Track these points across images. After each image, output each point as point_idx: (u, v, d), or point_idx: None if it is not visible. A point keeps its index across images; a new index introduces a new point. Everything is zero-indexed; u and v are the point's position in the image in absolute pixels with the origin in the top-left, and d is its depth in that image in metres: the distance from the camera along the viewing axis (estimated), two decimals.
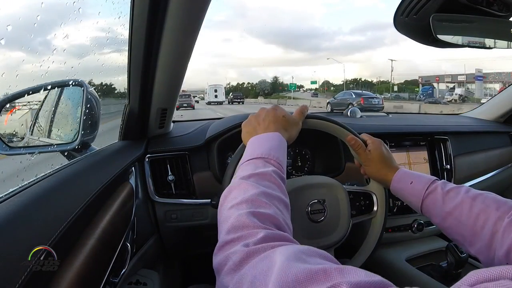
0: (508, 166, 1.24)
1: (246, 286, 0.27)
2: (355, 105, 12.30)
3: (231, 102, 28.70)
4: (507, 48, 0.58)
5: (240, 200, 0.39)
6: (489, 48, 0.59)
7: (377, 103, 13.20)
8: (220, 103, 27.37)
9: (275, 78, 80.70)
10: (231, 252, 0.32)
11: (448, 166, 1.05)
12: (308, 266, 0.25)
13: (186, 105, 18.23)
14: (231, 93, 33.82)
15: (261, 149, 0.49)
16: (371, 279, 0.23)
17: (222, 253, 0.34)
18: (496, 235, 0.45)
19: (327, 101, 17.13)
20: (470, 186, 1.10)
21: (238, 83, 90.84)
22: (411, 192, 0.58)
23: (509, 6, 0.54)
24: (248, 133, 0.57)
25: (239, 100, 29.36)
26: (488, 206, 0.48)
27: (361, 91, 18.41)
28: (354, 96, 14.18)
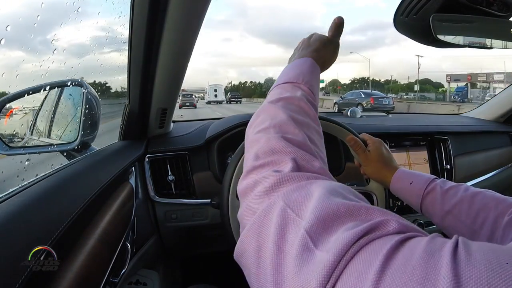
0: (508, 166, 1.24)
1: (277, 213, 0.25)
2: (364, 105, 11.87)
3: (229, 101, 30.14)
4: (507, 48, 0.58)
5: (267, 124, 0.36)
6: (489, 48, 0.59)
7: (387, 103, 12.58)
8: (220, 102, 28.70)
9: None
10: (262, 176, 0.30)
11: (448, 166, 1.05)
12: (348, 202, 0.24)
13: (188, 104, 19.84)
14: (229, 93, 35.12)
15: (290, 74, 0.45)
16: (414, 226, 0.22)
17: (250, 178, 0.31)
18: (495, 233, 0.45)
19: (334, 101, 16.05)
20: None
21: (240, 82, 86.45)
22: (410, 192, 0.58)
23: (509, 6, 0.54)
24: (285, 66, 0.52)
25: (236, 100, 31.06)
26: (487, 204, 0.48)
27: (370, 91, 17.42)
28: (363, 96, 13.35)
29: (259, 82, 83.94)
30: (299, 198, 0.25)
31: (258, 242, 0.25)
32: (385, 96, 14.82)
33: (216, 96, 29.75)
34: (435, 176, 0.57)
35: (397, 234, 0.20)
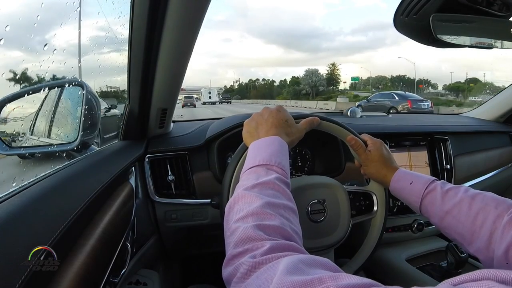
0: (508, 166, 1.24)
1: None
2: (399, 109, 10.69)
3: (220, 102, 36.36)
4: (507, 48, 0.58)
5: (245, 213, 0.39)
6: (489, 48, 0.59)
7: (426, 107, 11.31)
8: (214, 103, 34.74)
9: (333, 66, 55.46)
10: (239, 263, 0.34)
11: (448, 166, 1.05)
12: (303, 278, 0.26)
13: (189, 104, 25.90)
14: (220, 95, 40.85)
15: (262, 155, 0.48)
16: (358, 281, 0.24)
17: (231, 266, 0.35)
18: (495, 233, 0.45)
19: (356, 103, 13.87)
20: (470, 186, 1.10)
21: (250, 80, 74.49)
22: (410, 192, 0.58)
23: (509, 6, 0.54)
24: (249, 133, 0.56)
25: (227, 101, 38.31)
26: (487, 205, 0.48)
27: (404, 92, 14.57)
28: (397, 98, 11.49)
29: (272, 80, 72.23)
30: (267, 279, 0.29)
31: None
32: (423, 99, 12.86)
33: (210, 97, 36.20)
34: (435, 178, 0.57)
35: None
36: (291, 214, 0.43)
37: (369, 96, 14.32)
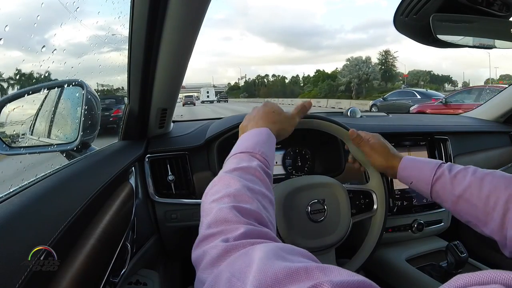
0: (508, 166, 1.24)
1: (223, 284, 0.26)
2: None
3: (218, 101, 38.89)
4: (507, 48, 0.58)
5: (222, 194, 0.38)
6: (489, 48, 0.59)
7: None
8: (212, 101, 37.70)
9: (386, 54, 38.67)
10: (210, 246, 0.32)
11: None
12: (288, 264, 0.24)
13: (189, 102, 28.54)
14: (218, 95, 42.73)
15: (247, 144, 0.48)
16: (354, 279, 0.22)
17: (201, 248, 0.33)
18: (508, 214, 0.45)
19: (371, 103, 12.36)
20: None
21: (258, 76, 65.06)
22: (418, 179, 0.58)
23: (509, 6, 0.54)
24: (241, 128, 0.57)
25: (224, 100, 40.36)
26: (497, 186, 0.48)
27: (425, 90, 12.02)
28: (419, 97, 9.75)
29: (283, 76, 63.82)
30: (242, 265, 0.26)
31: None
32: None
33: (208, 96, 39.46)
34: (442, 161, 0.57)
35: None
36: (268, 204, 0.41)
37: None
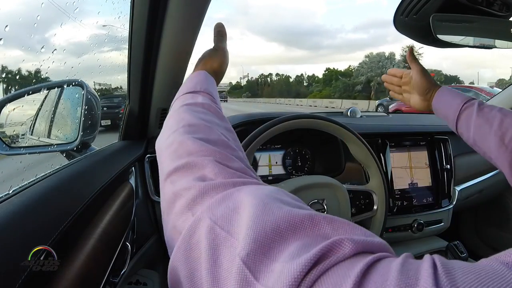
0: None
1: (204, 234, 0.21)
2: None
3: None
4: (507, 48, 0.58)
5: (176, 127, 0.33)
6: (489, 48, 0.59)
7: None
8: None
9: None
10: (181, 188, 0.26)
11: (448, 166, 1.05)
12: (288, 211, 0.20)
13: None
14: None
15: (187, 87, 0.43)
16: (373, 239, 0.19)
17: (170, 188, 0.28)
18: None
19: (377, 102, 11.78)
20: (469, 186, 1.10)
21: (261, 75, 62.12)
22: (450, 106, 0.59)
23: (509, 6, 0.54)
24: None
25: (223, 100, 38.70)
26: None
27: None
28: None
29: (288, 76, 60.76)
30: (227, 211, 0.21)
31: (189, 268, 0.21)
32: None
33: None
34: (475, 98, 0.59)
35: (355, 256, 0.17)
36: (229, 134, 0.35)
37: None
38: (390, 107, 8.73)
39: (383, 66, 31.84)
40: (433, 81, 0.63)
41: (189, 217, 0.23)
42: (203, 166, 0.27)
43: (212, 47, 0.51)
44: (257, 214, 0.20)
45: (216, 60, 0.49)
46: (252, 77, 66.28)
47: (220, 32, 0.53)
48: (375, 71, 32.56)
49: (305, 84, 55.85)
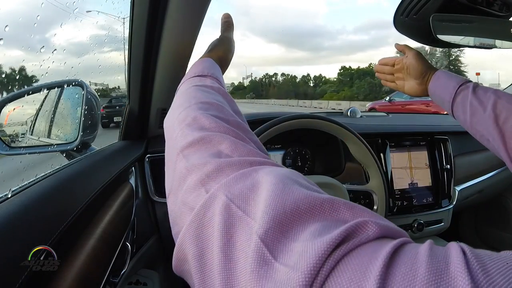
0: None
1: (219, 210, 0.20)
2: None
3: None
4: (507, 48, 0.58)
5: (189, 104, 0.32)
6: (489, 48, 0.59)
7: None
8: None
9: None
10: (195, 163, 0.24)
11: (448, 166, 1.05)
12: (308, 193, 0.19)
13: None
14: None
15: (193, 71, 0.42)
16: (395, 226, 0.19)
17: (182, 163, 0.26)
18: None
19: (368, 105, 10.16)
20: (470, 186, 1.10)
21: (267, 75, 59.68)
22: (445, 88, 0.58)
23: (509, 6, 0.54)
24: None
25: None
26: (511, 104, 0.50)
27: None
28: None
29: (294, 76, 58.46)
30: (244, 190, 0.20)
31: (199, 247, 0.20)
32: None
33: None
34: (471, 81, 0.58)
35: (379, 239, 0.16)
36: (240, 116, 0.34)
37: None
38: (367, 105, 8.93)
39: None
40: (429, 64, 0.62)
41: (202, 193, 0.22)
42: (219, 142, 0.26)
43: (218, 37, 0.51)
44: (276, 193, 0.19)
45: (221, 48, 0.49)
46: (255, 77, 64.08)
47: (226, 23, 0.53)
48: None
49: (311, 84, 54.12)
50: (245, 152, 0.25)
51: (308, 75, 57.22)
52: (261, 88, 57.55)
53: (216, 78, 0.40)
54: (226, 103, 0.34)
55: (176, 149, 0.27)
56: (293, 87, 52.89)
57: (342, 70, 45.05)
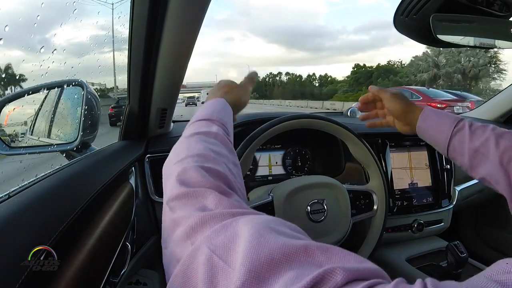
0: None
1: (202, 264, 0.21)
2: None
3: None
4: (507, 48, 0.58)
5: (185, 155, 0.35)
6: (489, 48, 0.59)
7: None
8: None
9: None
10: (181, 215, 0.27)
11: (448, 166, 1.05)
12: (285, 240, 0.21)
13: (192, 103, 29.33)
14: None
15: (203, 113, 0.45)
16: (367, 266, 0.20)
17: (169, 215, 0.29)
18: None
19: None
20: (469, 186, 1.10)
21: (270, 74, 56.47)
22: (438, 130, 0.55)
23: (509, 6, 0.54)
24: None
25: None
26: None
27: (460, 92, 9.84)
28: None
29: (299, 75, 55.60)
30: (225, 241, 0.22)
31: None
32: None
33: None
34: (462, 117, 0.56)
35: (347, 284, 0.18)
36: (234, 167, 0.37)
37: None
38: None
39: (471, 56, 22.81)
40: (408, 102, 0.60)
41: (187, 245, 0.24)
42: (204, 196, 0.28)
43: (235, 82, 0.56)
44: (252, 244, 0.20)
45: (239, 94, 0.53)
46: (259, 77, 64.39)
47: (252, 79, 0.58)
48: (454, 65, 23.57)
49: (316, 84, 51.96)
50: (228, 205, 0.27)
51: (314, 74, 55.10)
52: (265, 88, 56.00)
53: (223, 125, 0.43)
54: (224, 153, 0.37)
55: (165, 199, 0.30)
56: (300, 87, 50.72)
57: (356, 68, 41.44)
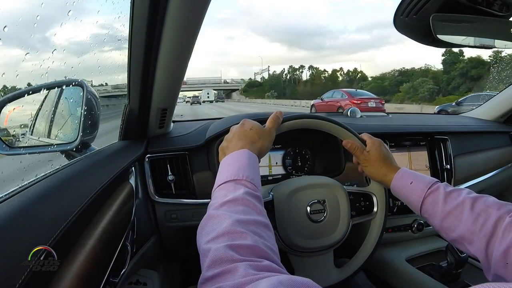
0: (508, 166, 1.24)
1: None
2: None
3: (215, 101, 43.44)
4: (507, 48, 0.58)
5: (215, 234, 0.39)
6: (489, 48, 0.59)
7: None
8: (211, 101, 42.73)
9: None
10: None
11: (448, 166, 1.05)
12: None
13: (196, 102, 33.84)
14: (215, 95, 47.05)
15: (230, 171, 0.48)
16: None
17: None
18: (495, 234, 0.45)
19: (436, 108, 9.67)
20: (470, 186, 1.10)
21: (272, 73, 49.96)
22: (412, 191, 0.58)
23: (509, 6, 0.54)
24: (221, 149, 0.56)
25: (221, 100, 45.41)
26: (489, 207, 0.48)
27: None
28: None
29: (324, 69, 47.04)
30: None
31: None
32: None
33: (208, 97, 44.41)
34: (438, 180, 0.57)
35: None
36: (264, 229, 0.41)
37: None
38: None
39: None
40: (389, 155, 0.65)
41: None
42: (232, 272, 0.32)
43: (263, 128, 0.57)
44: None
45: (266, 143, 0.55)
46: (274, 71, 49.92)
47: (277, 119, 0.60)
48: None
49: (339, 79, 42.38)
50: (258, 270, 0.32)
51: (341, 69, 45.60)
52: (283, 85, 46.79)
53: (251, 182, 0.46)
54: (253, 218, 0.41)
55: (202, 277, 0.35)
56: (333, 85, 37.16)
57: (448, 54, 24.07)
